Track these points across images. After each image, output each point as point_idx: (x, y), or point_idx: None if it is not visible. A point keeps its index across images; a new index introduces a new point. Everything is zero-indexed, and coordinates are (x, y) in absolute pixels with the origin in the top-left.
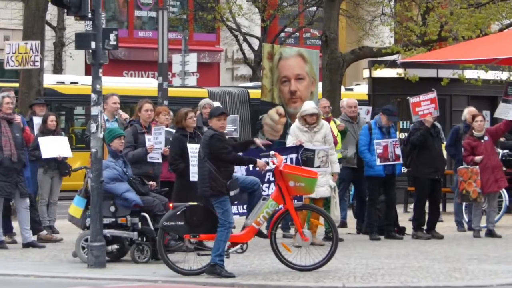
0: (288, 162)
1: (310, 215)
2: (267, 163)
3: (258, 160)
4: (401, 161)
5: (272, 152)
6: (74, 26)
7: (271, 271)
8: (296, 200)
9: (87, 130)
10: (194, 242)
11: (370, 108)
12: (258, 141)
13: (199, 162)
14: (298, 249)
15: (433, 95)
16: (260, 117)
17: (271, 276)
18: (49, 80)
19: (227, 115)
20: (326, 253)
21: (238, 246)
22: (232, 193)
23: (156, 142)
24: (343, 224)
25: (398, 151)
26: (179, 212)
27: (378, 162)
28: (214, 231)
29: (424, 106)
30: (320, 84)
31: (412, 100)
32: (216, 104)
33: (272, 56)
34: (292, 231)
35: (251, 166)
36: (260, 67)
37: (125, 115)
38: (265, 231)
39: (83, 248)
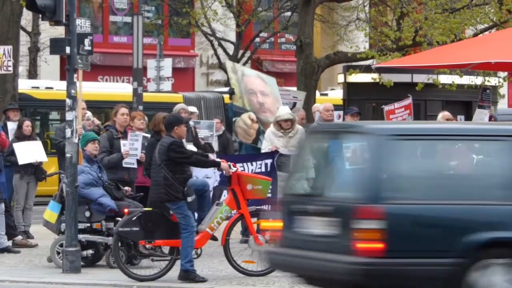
0: (263, 168)
1: None
2: (230, 166)
3: (222, 163)
4: None
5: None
6: (49, 31)
7: (246, 276)
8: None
9: (56, 135)
10: (149, 248)
11: (341, 112)
12: (225, 165)
13: (154, 168)
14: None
15: (408, 101)
16: (234, 119)
17: (246, 280)
18: (24, 85)
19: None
20: None
21: (193, 251)
22: (189, 199)
23: (132, 148)
24: None
25: None
26: (135, 217)
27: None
28: (169, 237)
29: (398, 113)
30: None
31: (387, 107)
32: (192, 109)
33: (235, 71)
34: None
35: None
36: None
37: (97, 121)
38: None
39: (58, 253)
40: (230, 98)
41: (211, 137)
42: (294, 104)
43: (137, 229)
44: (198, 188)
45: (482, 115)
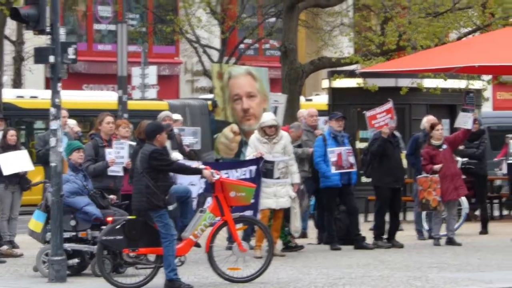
0: (248, 175)
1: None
2: (212, 174)
3: (204, 170)
4: (354, 169)
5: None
6: (33, 40)
7: (232, 282)
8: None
9: (36, 144)
10: (133, 256)
11: (327, 118)
12: (207, 173)
13: (136, 176)
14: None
15: (389, 105)
16: (214, 136)
17: (232, 287)
18: (9, 94)
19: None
20: (261, 265)
21: (177, 259)
22: (170, 207)
23: (118, 157)
24: (304, 235)
25: (352, 159)
26: (118, 226)
27: (333, 170)
28: (153, 245)
29: (380, 118)
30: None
31: (368, 113)
32: (176, 116)
33: (221, 75)
34: (252, 242)
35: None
36: None
37: (77, 128)
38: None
39: (44, 262)
40: (212, 111)
41: (196, 144)
42: (276, 108)
43: (121, 237)
44: (181, 195)
45: (466, 118)
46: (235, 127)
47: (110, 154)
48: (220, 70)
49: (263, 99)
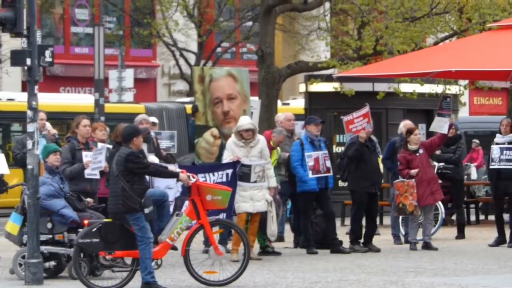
0: (224, 178)
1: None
2: (189, 177)
3: (181, 174)
4: (331, 173)
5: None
6: (10, 42)
7: (208, 286)
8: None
9: (14, 147)
10: (109, 259)
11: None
12: (183, 176)
13: (112, 179)
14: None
15: (365, 110)
16: (195, 141)
17: None
18: None
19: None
20: (237, 269)
21: (153, 262)
22: (146, 210)
23: (95, 162)
24: (281, 239)
25: (329, 164)
26: (95, 229)
27: (310, 175)
28: (129, 248)
29: (358, 123)
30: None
31: (346, 118)
32: (153, 119)
33: (203, 79)
34: (229, 245)
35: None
36: None
37: (53, 130)
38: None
39: (20, 265)
40: (193, 115)
41: (172, 147)
42: (251, 113)
43: (97, 240)
44: (157, 198)
45: (442, 123)
46: (215, 131)
47: (86, 157)
48: (202, 73)
49: (243, 100)
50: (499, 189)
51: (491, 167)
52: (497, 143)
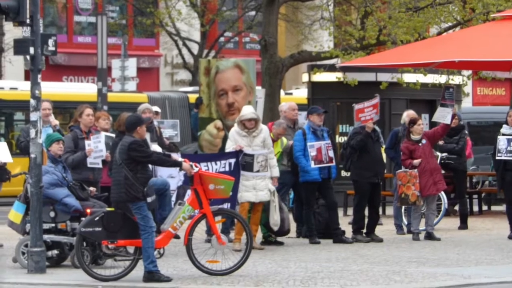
0: (227, 167)
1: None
2: (191, 166)
3: (183, 163)
4: (334, 163)
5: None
6: (13, 31)
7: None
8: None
9: (19, 136)
10: (112, 248)
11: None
12: (186, 165)
13: (115, 168)
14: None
15: (376, 100)
16: (198, 133)
17: (211, 280)
18: None
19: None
20: (239, 258)
21: (156, 251)
22: (149, 199)
23: (96, 150)
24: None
25: (331, 153)
26: (97, 218)
27: (312, 165)
28: (132, 237)
29: (367, 112)
30: (259, 88)
31: (357, 106)
32: (155, 108)
33: (209, 71)
34: (232, 235)
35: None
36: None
37: (55, 121)
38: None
39: (23, 253)
40: (197, 108)
41: (175, 136)
42: (256, 102)
43: (100, 229)
44: (159, 187)
45: (445, 113)
46: (218, 123)
47: (89, 146)
48: (208, 65)
49: (249, 91)
50: (505, 180)
51: (497, 157)
52: (503, 134)
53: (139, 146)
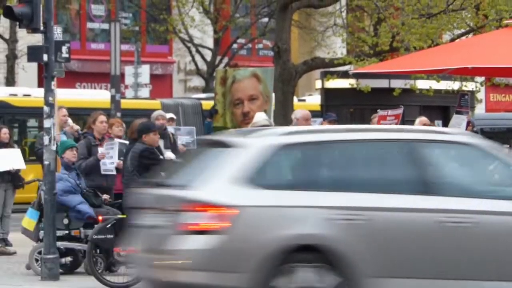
0: None
1: None
2: None
3: None
4: None
5: None
6: (26, 38)
7: None
8: None
9: (36, 143)
10: (124, 255)
11: (322, 119)
12: None
13: (126, 174)
14: None
15: (399, 111)
16: None
17: None
18: (2, 92)
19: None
20: None
21: None
22: None
23: (108, 157)
24: None
25: None
26: (109, 225)
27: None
28: None
29: (388, 120)
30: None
31: (381, 113)
32: (169, 115)
33: (225, 80)
34: None
35: None
36: (212, 78)
37: (76, 126)
38: None
39: (37, 260)
40: (210, 117)
41: (192, 143)
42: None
43: (111, 236)
44: None
45: (460, 120)
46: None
47: (101, 151)
48: (224, 75)
49: (265, 101)
50: None
51: None
52: None
53: (150, 153)
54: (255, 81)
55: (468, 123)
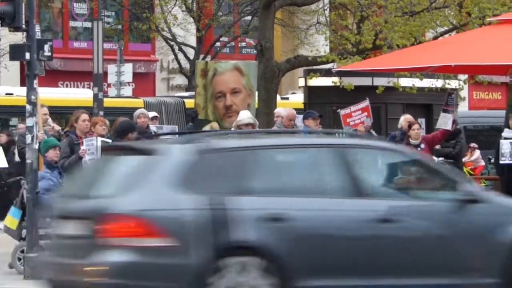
0: None
1: None
2: None
3: None
4: None
5: None
6: (8, 37)
7: None
8: None
9: (18, 141)
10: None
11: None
12: None
13: None
14: None
15: (365, 104)
16: None
17: None
18: None
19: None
20: None
21: None
22: None
23: (89, 153)
24: None
25: None
26: None
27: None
28: None
29: (356, 116)
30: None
31: (343, 112)
32: (152, 114)
33: (206, 73)
34: None
35: None
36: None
37: (57, 127)
38: None
39: (19, 259)
40: (192, 121)
41: None
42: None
43: None
44: None
45: (446, 119)
46: (215, 124)
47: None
48: (205, 67)
49: (248, 94)
50: (511, 183)
51: (501, 162)
52: (505, 138)
53: None
54: (238, 74)
55: (454, 122)
